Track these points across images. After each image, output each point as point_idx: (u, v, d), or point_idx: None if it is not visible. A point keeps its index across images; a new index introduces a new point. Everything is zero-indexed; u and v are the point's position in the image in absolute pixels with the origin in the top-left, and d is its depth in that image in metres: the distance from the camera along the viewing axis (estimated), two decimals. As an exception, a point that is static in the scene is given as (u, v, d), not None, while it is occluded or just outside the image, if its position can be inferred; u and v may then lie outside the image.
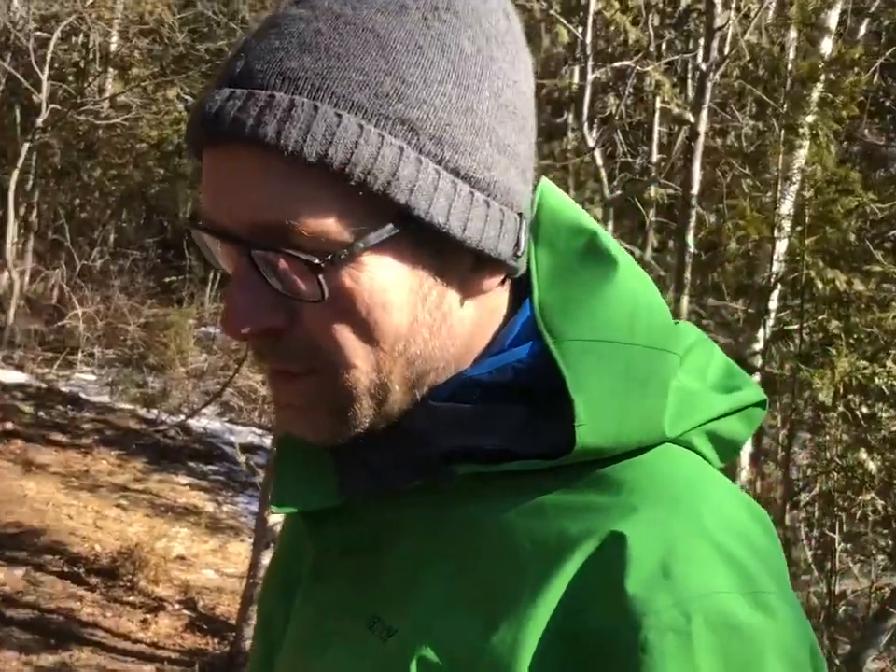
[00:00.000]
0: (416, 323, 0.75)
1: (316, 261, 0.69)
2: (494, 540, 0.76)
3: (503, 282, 0.80)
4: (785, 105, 4.78)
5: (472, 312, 0.78)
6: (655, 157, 7.49)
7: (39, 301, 15.01)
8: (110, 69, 16.99)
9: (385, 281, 0.72)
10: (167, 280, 16.68)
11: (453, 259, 0.75)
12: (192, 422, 11.10)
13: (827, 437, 4.38)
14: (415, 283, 0.74)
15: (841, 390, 4.15)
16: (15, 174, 11.55)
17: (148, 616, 5.95)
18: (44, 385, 11.86)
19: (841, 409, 4.20)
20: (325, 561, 0.86)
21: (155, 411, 11.37)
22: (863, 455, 4.06)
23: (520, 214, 0.77)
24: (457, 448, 0.77)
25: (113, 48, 16.66)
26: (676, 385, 0.78)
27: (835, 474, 4.34)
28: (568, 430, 0.73)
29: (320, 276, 0.69)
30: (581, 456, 0.73)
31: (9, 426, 9.64)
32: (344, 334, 0.72)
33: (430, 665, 0.73)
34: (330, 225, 0.69)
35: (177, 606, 6.14)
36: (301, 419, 0.79)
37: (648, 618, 0.67)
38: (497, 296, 0.81)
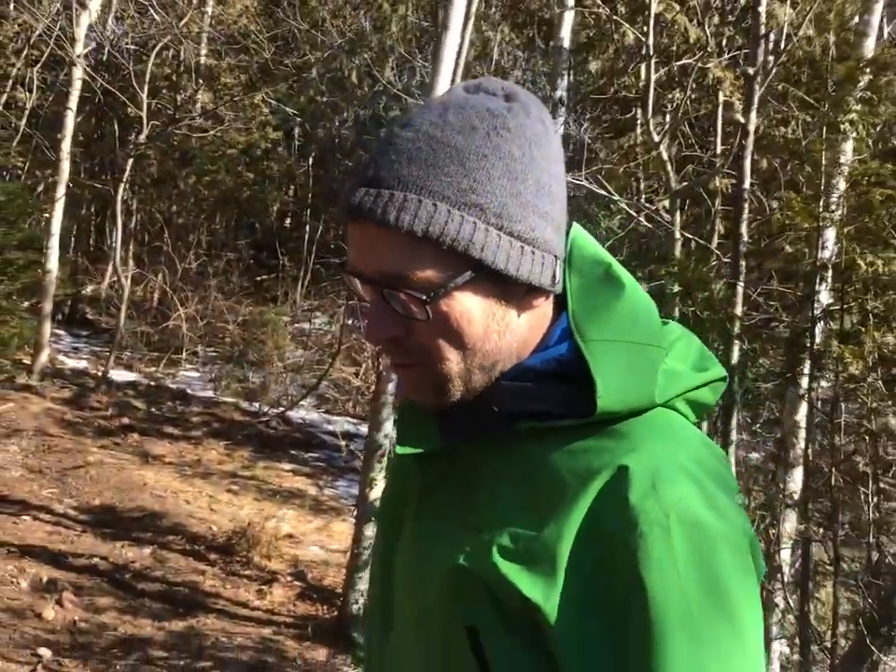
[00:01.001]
0: (488, 331, 1.16)
1: (424, 297, 1.12)
2: (543, 470, 1.16)
3: (547, 298, 1.21)
4: (826, 105, 5.12)
5: (526, 321, 1.19)
6: (720, 148, 7.79)
7: (143, 305, 15.84)
8: (200, 80, 17.63)
9: (468, 306, 1.13)
10: (260, 279, 17.35)
11: (511, 290, 1.16)
12: (292, 413, 11.75)
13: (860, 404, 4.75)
14: (487, 305, 1.15)
15: (871, 363, 4.51)
16: (121, 188, 12.23)
17: (263, 587, 6.55)
18: (153, 383, 12.63)
19: (870, 380, 4.56)
20: (430, 489, 1.29)
21: (257, 403, 12.06)
22: (892, 419, 4.40)
23: (555, 256, 1.18)
24: (517, 411, 1.19)
25: (202, 60, 17.30)
26: (664, 368, 1.18)
27: (867, 438, 4.70)
28: (592, 400, 1.14)
29: (427, 306, 1.13)
30: (600, 417, 1.14)
31: (126, 421, 10.40)
32: (441, 341, 1.15)
33: (506, 549, 1.13)
34: (431, 274, 1.11)
35: (289, 578, 6.72)
36: (414, 393, 1.26)
37: (642, 517, 1.06)
38: (543, 308, 1.21)
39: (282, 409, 11.64)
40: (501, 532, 1.15)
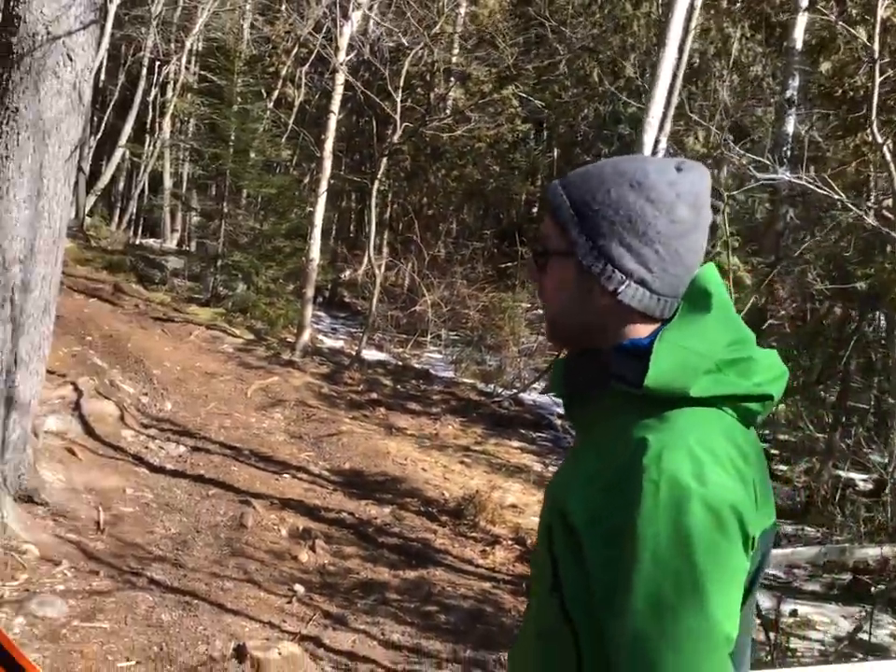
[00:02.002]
0: (582, 303, 1.60)
1: (541, 250, 1.64)
2: (613, 423, 1.61)
3: (644, 315, 1.61)
4: None
5: (612, 315, 1.61)
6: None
7: (394, 290, 17.04)
8: (451, 78, 18.58)
9: (567, 274, 1.61)
10: (502, 266, 18.18)
11: (593, 283, 1.60)
12: (524, 395, 12.49)
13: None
14: (578, 282, 1.60)
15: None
16: (376, 182, 13.30)
17: (487, 548, 7.28)
18: (400, 363, 13.71)
19: None
20: (573, 425, 1.90)
21: (492, 385, 12.90)
22: None
23: (627, 282, 1.59)
24: (607, 374, 1.64)
25: (454, 59, 18.25)
26: (715, 375, 1.57)
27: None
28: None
29: (546, 260, 1.63)
30: (647, 392, 1.56)
31: (374, 396, 11.46)
32: (551, 292, 1.65)
33: (562, 476, 1.68)
34: (551, 241, 1.61)
35: (510, 542, 7.42)
36: (547, 334, 1.79)
37: (643, 475, 1.48)
38: (632, 318, 1.61)
39: (515, 391, 12.39)
40: (575, 467, 1.62)
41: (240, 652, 5.02)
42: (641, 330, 1.62)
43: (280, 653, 5.02)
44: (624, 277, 1.58)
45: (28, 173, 6.28)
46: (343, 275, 19.10)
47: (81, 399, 8.37)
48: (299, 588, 6.14)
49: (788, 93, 11.66)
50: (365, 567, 6.68)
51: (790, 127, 12.58)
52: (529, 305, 16.08)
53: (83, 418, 8.18)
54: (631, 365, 1.57)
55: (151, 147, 20.28)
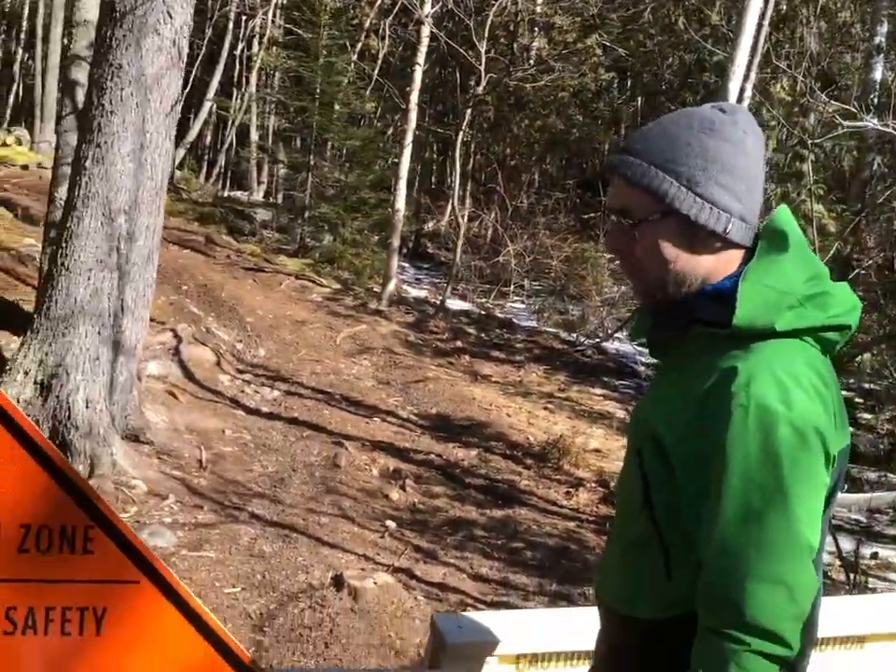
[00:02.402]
0: (675, 258, 1.77)
1: (632, 223, 1.76)
2: (696, 360, 1.77)
3: (726, 246, 1.76)
4: None
5: (708, 259, 1.77)
6: None
7: (477, 241, 17.18)
8: (536, 28, 18.50)
9: (661, 236, 1.77)
10: (585, 217, 18.18)
11: (695, 233, 1.75)
12: (606, 344, 12.59)
13: None
14: (675, 240, 1.76)
15: None
16: (461, 134, 13.41)
17: (571, 490, 7.48)
18: (483, 312, 13.91)
19: None
20: (655, 367, 2.08)
21: (574, 334, 13.03)
22: None
23: (730, 215, 1.74)
24: (693, 318, 1.79)
25: (538, 9, 18.15)
26: (797, 310, 1.70)
27: None
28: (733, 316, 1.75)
29: (634, 230, 1.77)
30: (735, 330, 1.71)
31: (459, 344, 11.69)
32: (644, 257, 1.79)
33: (656, 406, 1.82)
34: (640, 210, 1.77)
35: (594, 484, 7.60)
36: (634, 293, 1.99)
37: (733, 401, 1.64)
38: (726, 255, 1.77)
39: (597, 340, 12.50)
40: (663, 397, 1.79)
41: (338, 581, 5.31)
42: (733, 266, 1.78)
43: (375, 583, 5.30)
44: (729, 216, 1.74)
45: (131, 127, 6.57)
46: (425, 226, 19.30)
47: (180, 345, 8.74)
48: (390, 524, 6.42)
49: (876, 40, 11.45)
50: (453, 505, 6.93)
51: (877, 74, 12.34)
52: (612, 256, 16.05)
53: (182, 363, 8.55)
54: (716, 308, 1.72)
55: (238, 101, 20.62)
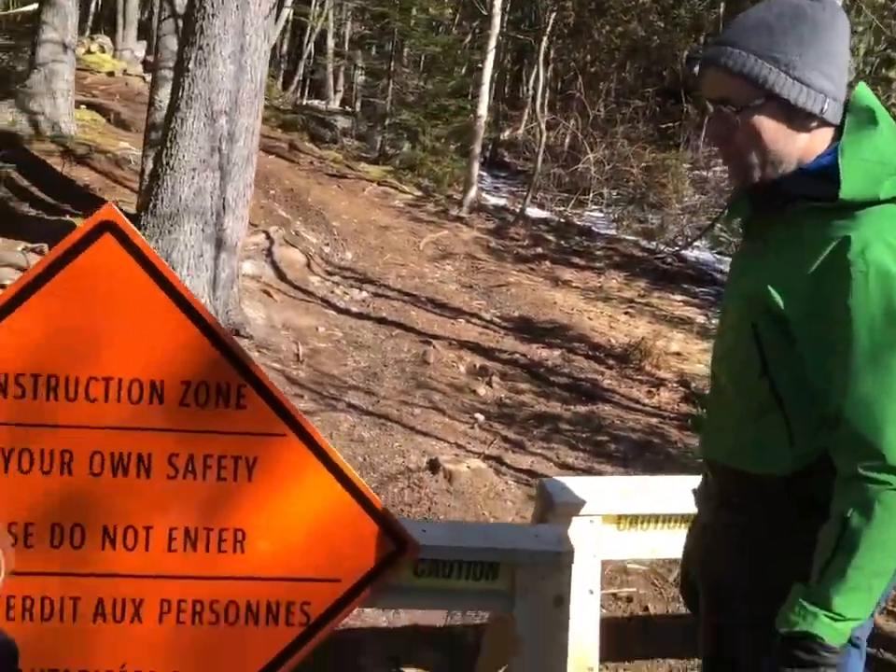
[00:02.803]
0: (776, 140, 1.91)
1: (735, 110, 1.89)
2: (805, 234, 1.90)
3: (822, 125, 1.91)
4: None
5: (806, 139, 1.92)
6: None
7: (555, 149, 17.15)
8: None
9: (763, 121, 1.90)
10: (664, 126, 18.01)
11: (794, 115, 1.89)
12: (686, 252, 12.69)
13: None
14: (776, 123, 1.89)
15: None
16: (543, 40, 13.36)
17: (652, 389, 7.68)
18: (562, 220, 14.01)
19: None
20: (747, 244, 2.09)
21: (654, 242, 13.09)
22: None
23: (826, 96, 1.87)
24: (796, 194, 1.93)
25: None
26: (893, 178, 1.85)
27: None
28: (838, 191, 1.86)
29: (737, 116, 1.90)
30: (842, 203, 1.86)
31: (539, 250, 11.87)
32: (745, 142, 1.93)
33: (774, 281, 1.89)
34: (741, 97, 1.89)
35: (675, 384, 7.78)
36: (733, 177, 2.07)
37: (852, 268, 1.78)
38: (821, 134, 1.93)
39: (677, 248, 12.56)
40: (774, 271, 1.90)
41: (433, 465, 5.63)
42: (825, 144, 1.92)
43: (469, 467, 5.61)
44: (825, 96, 1.88)
45: (232, 29, 6.78)
46: (503, 135, 19.29)
47: (272, 247, 9.06)
48: (479, 416, 6.71)
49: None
50: (538, 401, 7.20)
51: None
52: (691, 165, 15.99)
53: (275, 264, 8.88)
54: (820, 185, 1.87)
55: (318, 8, 20.63)
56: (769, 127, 1.89)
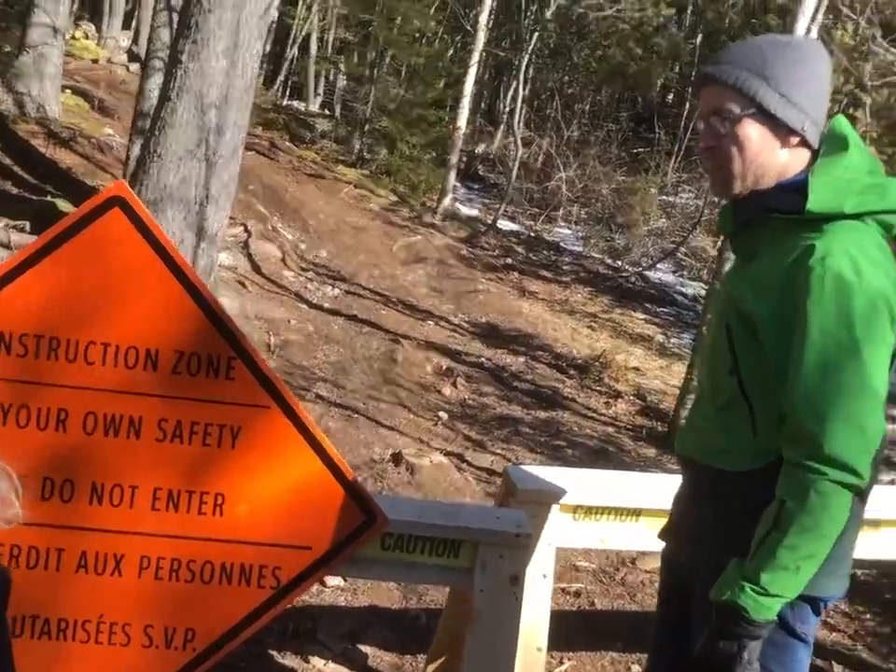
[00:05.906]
0: (762, 150, 2.08)
1: (725, 117, 2.07)
2: (777, 244, 2.07)
3: (802, 144, 2.07)
4: None
5: (786, 154, 2.08)
6: None
7: (528, 165, 17.41)
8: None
9: (750, 131, 2.07)
10: (636, 151, 18.31)
11: (777, 130, 2.06)
12: (650, 273, 13.02)
13: None
14: (761, 134, 2.06)
15: None
16: (525, 58, 13.61)
17: (610, 400, 7.92)
18: (532, 234, 14.27)
19: None
20: (736, 254, 2.34)
21: (619, 261, 13.39)
22: None
23: (807, 116, 2.04)
24: (772, 207, 2.10)
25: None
26: (861, 196, 2.02)
27: None
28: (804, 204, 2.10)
29: (726, 125, 2.07)
30: (809, 216, 2.04)
31: (509, 261, 12.11)
32: (733, 149, 2.09)
33: (748, 284, 2.10)
34: (734, 108, 2.08)
35: (632, 397, 8.03)
36: (715, 186, 2.22)
37: (811, 273, 1.95)
38: (800, 153, 2.09)
39: (641, 268, 12.85)
40: (749, 277, 2.08)
41: (397, 458, 5.83)
42: (803, 165, 2.10)
43: (431, 461, 5.82)
44: (806, 116, 2.07)
45: (227, 26, 6.94)
46: (478, 149, 19.54)
47: (249, 240, 9.22)
48: (443, 415, 6.92)
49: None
50: (501, 404, 7.42)
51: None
52: (659, 189, 16.29)
53: (251, 256, 9.04)
54: (791, 198, 2.05)
55: (306, 11, 20.77)
56: (754, 137, 2.06)
